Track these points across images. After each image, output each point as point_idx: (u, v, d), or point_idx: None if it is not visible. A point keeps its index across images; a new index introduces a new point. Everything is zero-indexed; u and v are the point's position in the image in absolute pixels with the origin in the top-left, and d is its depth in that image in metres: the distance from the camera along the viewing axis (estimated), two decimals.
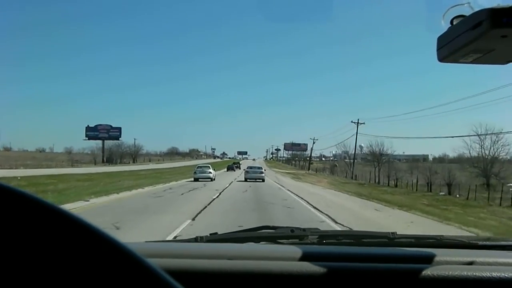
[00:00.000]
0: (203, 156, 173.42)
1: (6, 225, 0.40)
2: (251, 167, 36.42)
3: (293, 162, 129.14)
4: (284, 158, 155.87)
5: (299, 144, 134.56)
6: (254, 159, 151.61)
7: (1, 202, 0.41)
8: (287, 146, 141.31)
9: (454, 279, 1.13)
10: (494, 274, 1.14)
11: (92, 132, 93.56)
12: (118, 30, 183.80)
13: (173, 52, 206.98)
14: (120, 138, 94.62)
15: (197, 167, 33.43)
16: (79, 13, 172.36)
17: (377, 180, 46.57)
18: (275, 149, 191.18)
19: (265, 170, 37.62)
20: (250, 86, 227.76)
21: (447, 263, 1.27)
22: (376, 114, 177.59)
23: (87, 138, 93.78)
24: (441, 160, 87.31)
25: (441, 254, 1.33)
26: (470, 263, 1.28)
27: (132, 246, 0.44)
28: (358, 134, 57.17)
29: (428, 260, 1.29)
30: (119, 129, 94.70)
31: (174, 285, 0.43)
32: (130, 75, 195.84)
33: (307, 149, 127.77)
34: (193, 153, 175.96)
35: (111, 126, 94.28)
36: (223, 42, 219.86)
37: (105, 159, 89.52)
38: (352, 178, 52.84)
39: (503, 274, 1.14)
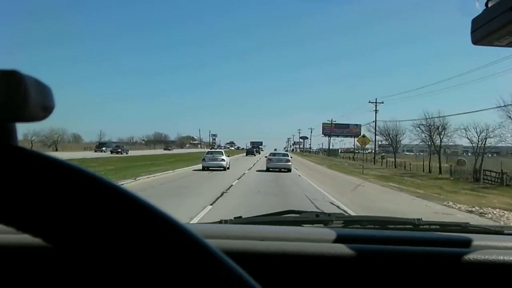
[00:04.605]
0: (199, 146, 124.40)
1: (72, 203, 0.39)
2: (274, 154, 30.92)
3: (353, 156, 74.62)
4: (319, 150, 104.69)
5: (347, 125, 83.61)
6: (275, 150, 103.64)
7: (67, 180, 0.39)
8: (327, 129, 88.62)
9: (490, 263, 1.14)
10: None
11: None
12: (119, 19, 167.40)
13: (177, 38, 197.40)
14: None
15: (207, 153, 28.63)
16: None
17: None
18: (301, 137, 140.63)
19: (291, 157, 30.17)
20: (264, 73, 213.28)
21: (480, 247, 1.25)
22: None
23: None
24: None
25: (471, 239, 1.31)
26: (504, 248, 1.26)
27: None
28: None
29: (459, 244, 1.28)
30: None
31: (236, 269, 0.40)
32: (134, 63, 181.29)
33: (359, 133, 76.89)
34: (183, 141, 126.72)
35: None
36: (222, 31, 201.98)
37: None
38: None
39: None
